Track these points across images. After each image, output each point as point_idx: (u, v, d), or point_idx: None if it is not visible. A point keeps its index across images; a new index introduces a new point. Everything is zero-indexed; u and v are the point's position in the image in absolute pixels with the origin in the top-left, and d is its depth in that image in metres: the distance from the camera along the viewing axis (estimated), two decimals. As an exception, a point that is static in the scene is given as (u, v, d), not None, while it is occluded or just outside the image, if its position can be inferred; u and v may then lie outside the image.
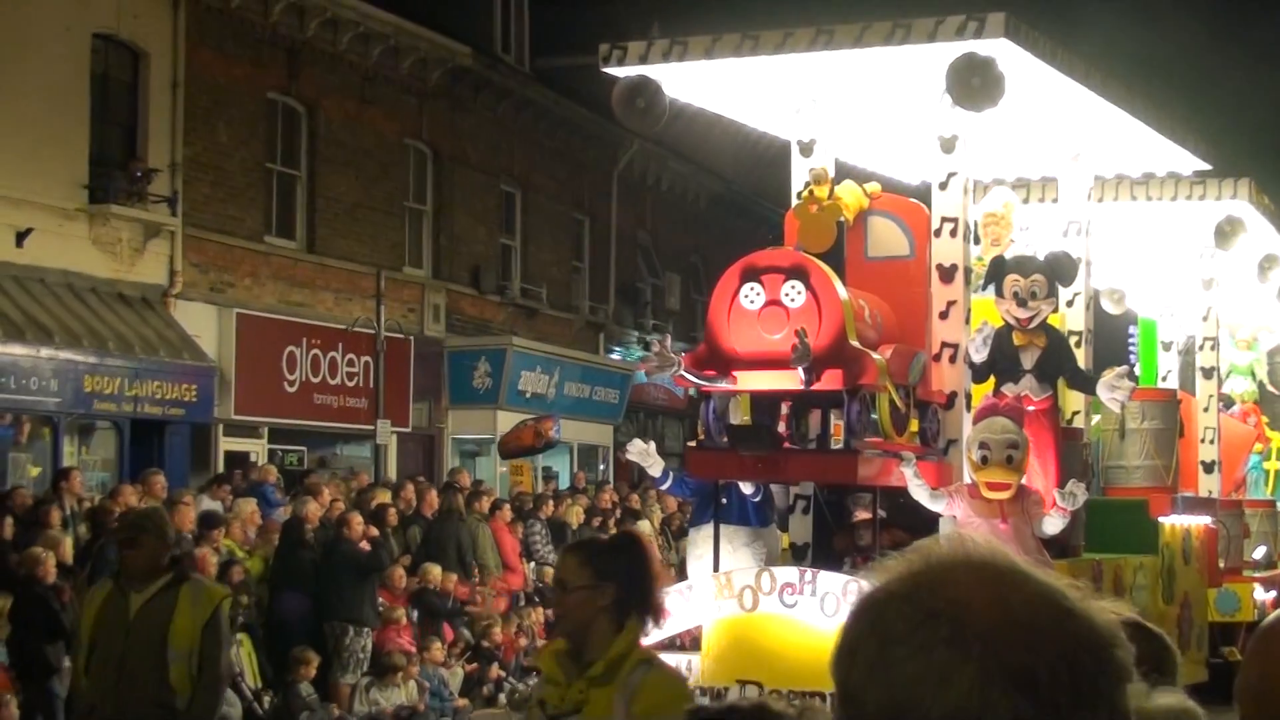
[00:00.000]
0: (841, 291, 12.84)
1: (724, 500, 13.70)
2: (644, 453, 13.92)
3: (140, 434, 27.30)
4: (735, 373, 12.93)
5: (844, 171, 14.59)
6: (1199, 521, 16.08)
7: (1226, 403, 22.16)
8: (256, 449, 30.28)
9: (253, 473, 26.58)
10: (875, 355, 12.77)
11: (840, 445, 12.93)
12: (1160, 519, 15.25)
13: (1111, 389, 13.88)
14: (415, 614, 23.56)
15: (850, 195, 13.75)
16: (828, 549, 14.05)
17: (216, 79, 29.55)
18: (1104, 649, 2.23)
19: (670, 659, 13.38)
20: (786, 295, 12.83)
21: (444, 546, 24.90)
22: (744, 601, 13.01)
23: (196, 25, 29.07)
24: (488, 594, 25.38)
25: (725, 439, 13.06)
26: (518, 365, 34.58)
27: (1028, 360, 14.12)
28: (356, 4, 31.88)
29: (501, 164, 37.41)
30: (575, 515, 28.63)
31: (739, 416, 13.58)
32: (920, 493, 13.24)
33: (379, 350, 31.75)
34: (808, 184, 13.70)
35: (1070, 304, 15.55)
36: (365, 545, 22.40)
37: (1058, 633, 2.21)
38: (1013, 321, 14.13)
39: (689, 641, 13.69)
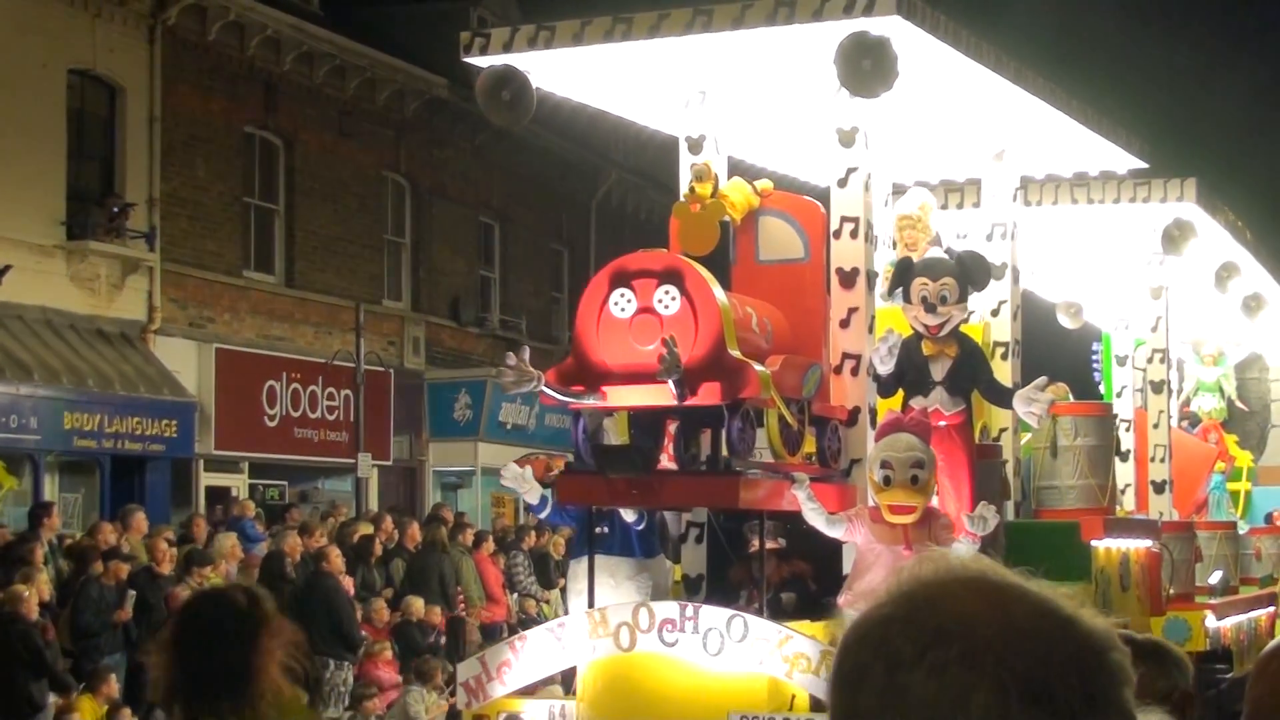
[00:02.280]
0: (720, 296, 10.93)
1: (604, 529, 11.77)
2: (519, 478, 12.01)
3: (121, 470, 26.35)
4: (605, 388, 11.02)
5: (741, 172, 12.65)
6: (1139, 545, 14.10)
7: (1192, 421, 20.21)
8: (237, 484, 29.17)
9: (233, 508, 25.63)
10: (759, 367, 10.84)
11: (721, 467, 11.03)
12: (1093, 543, 13.29)
13: (1029, 402, 11.92)
14: (397, 647, 22.38)
15: (737, 193, 11.84)
16: (724, 581, 12.12)
17: (193, 113, 28.43)
18: (1106, 653, 2.16)
19: (543, 705, 11.59)
20: (659, 302, 10.91)
21: (427, 579, 23.72)
22: (620, 640, 11.08)
23: (173, 60, 27.97)
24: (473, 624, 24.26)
25: (593, 461, 11.17)
26: (498, 397, 32.95)
27: (938, 371, 12.17)
28: (332, 37, 30.77)
29: (480, 195, 35.99)
30: (557, 547, 27.13)
31: (617, 437, 11.69)
32: (815, 518, 11.31)
33: (359, 383, 30.28)
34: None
35: (996, 313, 13.62)
36: (347, 580, 21.65)
37: (1064, 641, 2.13)
38: (921, 329, 12.17)
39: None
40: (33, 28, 25.40)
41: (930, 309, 12.04)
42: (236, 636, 5.18)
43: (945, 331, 12.12)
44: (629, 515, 11.66)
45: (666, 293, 10.88)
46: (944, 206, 14.61)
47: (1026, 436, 14.13)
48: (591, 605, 11.44)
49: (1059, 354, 19.94)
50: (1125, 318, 18.12)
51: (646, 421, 11.52)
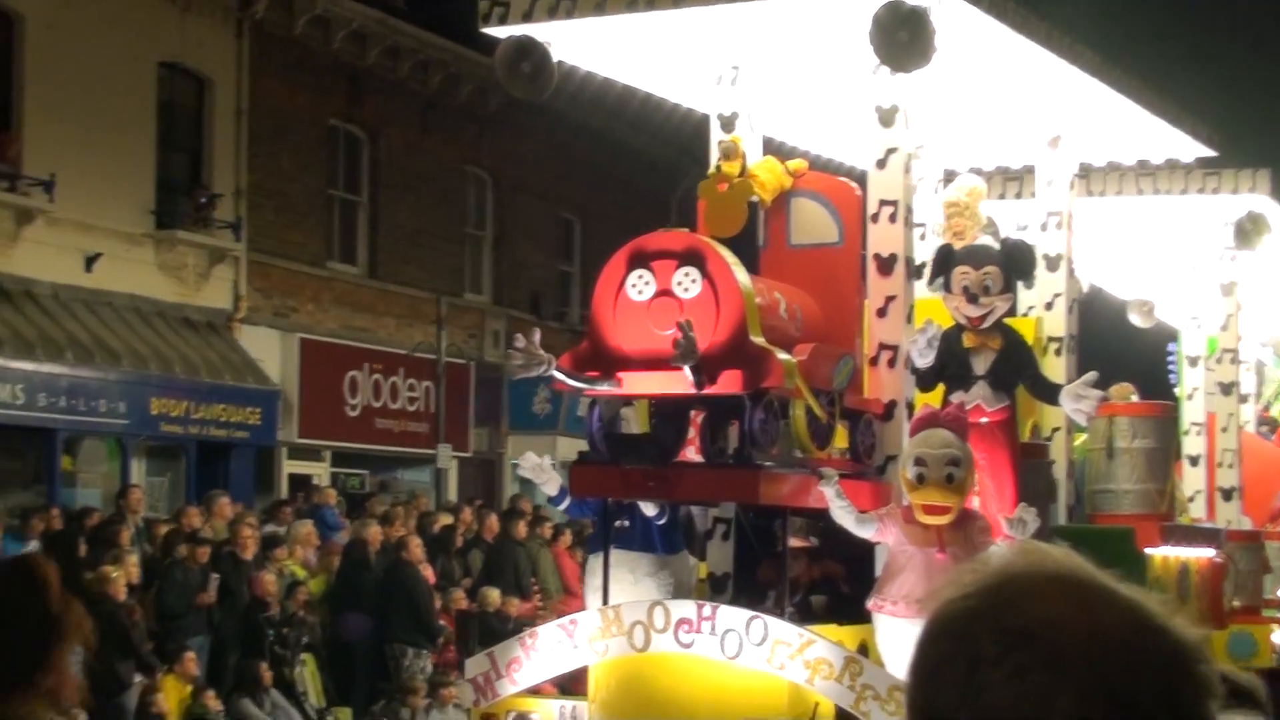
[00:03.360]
0: (744, 280, 9.87)
1: (624, 523, 10.71)
2: (537, 468, 11.01)
3: (206, 456, 25.78)
4: (621, 374, 9.98)
5: (776, 152, 11.54)
6: (1200, 554, 12.86)
7: (1272, 426, 18.82)
8: (319, 472, 28.48)
9: (314, 495, 25.13)
10: (783, 355, 9.77)
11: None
12: (1149, 550, 12.08)
13: (1077, 398, 10.76)
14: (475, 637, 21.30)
15: (768, 173, 10.75)
16: (752, 580, 11.03)
17: (279, 106, 27.65)
18: (1194, 665, 2.02)
19: (553, 705, 10.57)
20: (679, 284, 9.87)
21: (503, 570, 22.80)
22: (635, 639, 10.04)
23: (260, 53, 27.27)
24: (550, 617, 23.09)
25: (607, 450, 10.14)
26: (577, 391, 31.75)
27: (980, 365, 11.02)
28: (417, 31, 29.89)
29: (560, 191, 34.95)
30: (638, 544, 26.06)
31: (638, 427, 10.66)
32: (844, 516, 10.22)
33: (440, 375, 29.46)
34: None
35: (1049, 306, 12.45)
36: (427, 569, 21.18)
37: (1152, 650, 2.01)
38: (963, 320, 11.04)
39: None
40: (124, 21, 24.81)
41: (972, 299, 10.92)
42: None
43: (988, 323, 11.00)
44: (650, 509, 10.61)
45: (687, 274, 9.85)
46: (1002, 196, 13.47)
47: (1081, 438, 12.97)
48: (606, 602, 10.42)
49: (1130, 353, 18.72)
50: (1196, 316, 16.79)
51: (668, 411, 10.48)
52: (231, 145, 26.80)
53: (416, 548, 21.07)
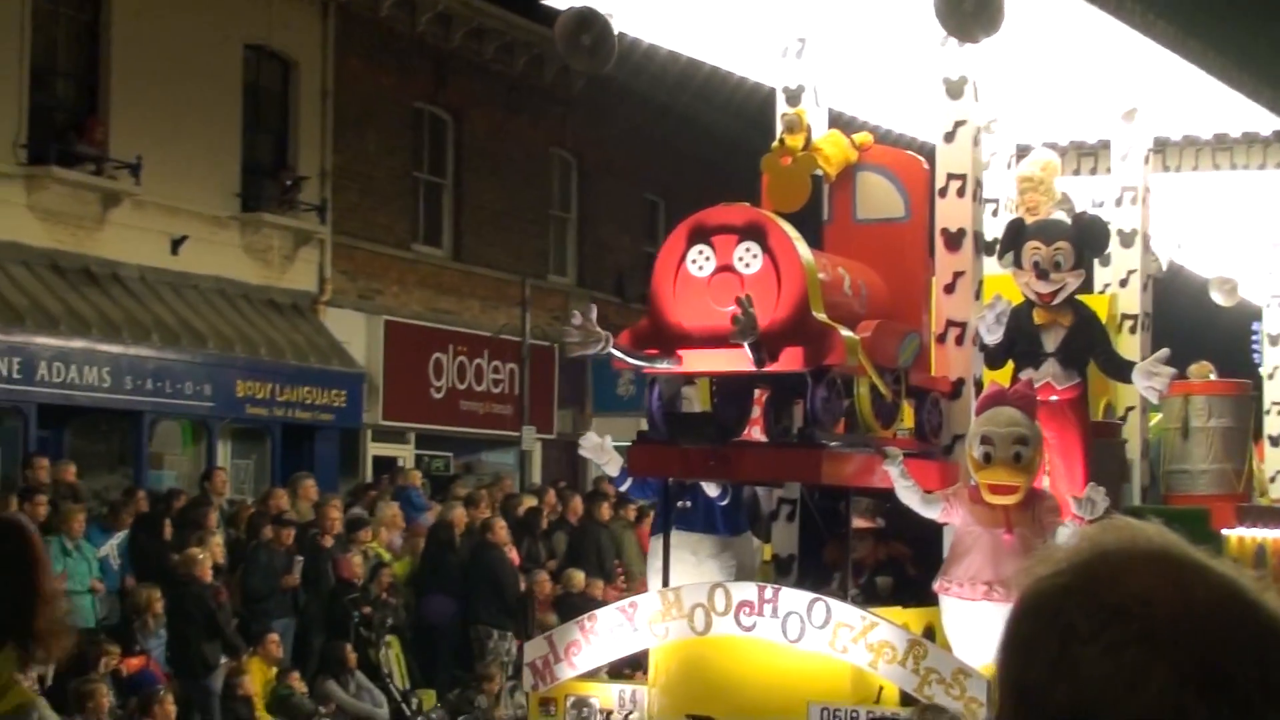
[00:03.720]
0: (805, 255, 9.61)
1: (686, 504, 10.48)
2: (598, 448, 10.80)
3: (291, 438, 25.62)
4: (681, 352, 9.75)
5: (843, 126, 11.24)
6: (1278, 535, 12.48)
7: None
8: (404, 454, 28.27)
9: (398, 477, 24.99)
10: (846, 332, 9.52)
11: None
12: (1225, 531, 11.72)
13: (1149, 375, 10.44)
14: (558, 620, 21.14)
15: (833, 146, 10.49)
16: (818, 562, 10.79)
17: (365, 88, 27.48)
18: None
19: (613, 689, 10.36)
20: (740, 260, 9.64)
21: (587, 553, 22.61)
22: (695, 622, 9.84)
23: (345, 35, 27.09)
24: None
25: (666, 429, 9.91)
26: (662, 374, 31.44)
27: (1050, 342, 10.72)
28: (502, 13, 29.57)
29: (645, 173, 34.58)
30: (719, 522, 25.79)
31: (699, 406, 10.43)
32: (910, 496, 9.97)
33: (524, 357, 29.15)
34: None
35: (1124, 283, 12.10)
36: (512, 551, 21.03)
37: (1245, 626, 1.96)
38: (1033, 297, 10.74)
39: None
40: (210, 4, 24.70)
41: (1043, 275, 10.63)
42: None
43: (1059, 299, 10.70)
44: (712, 490, 10.38)
45: (748, 250, 9.61)
46: (1076, 171, 13.13)
47: (1157, 417, 12.62)
48: (666, 584, 10.20)
49: (1212, 332, 18.28)
50: (1278, 293, 16.36)
51: (730, 390, 10.25)
52: (317, 128, 26.60)
53: (502, 530, 20.92)
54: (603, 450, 10.73)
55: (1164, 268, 13.97)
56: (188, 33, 24.32)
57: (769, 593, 9.72)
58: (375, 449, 27.69)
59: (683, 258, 9.74)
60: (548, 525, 23.08)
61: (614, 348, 9.57)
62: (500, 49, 30.10)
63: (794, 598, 9.69)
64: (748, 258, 9.59)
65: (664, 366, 9.74)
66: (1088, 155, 13.33)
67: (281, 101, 26.54)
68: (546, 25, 29.28)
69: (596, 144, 33.12)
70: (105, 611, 17.64)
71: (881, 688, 9.72)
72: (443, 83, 29.32)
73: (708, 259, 9.68)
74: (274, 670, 18.01)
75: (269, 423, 25.07)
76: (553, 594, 21.36)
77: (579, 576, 21.53)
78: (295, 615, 19.20)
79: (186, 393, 23.44)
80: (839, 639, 9.54)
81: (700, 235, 9.74)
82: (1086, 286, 11.89)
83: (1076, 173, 13.12)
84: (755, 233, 9.63)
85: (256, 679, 17.68)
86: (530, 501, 23.63)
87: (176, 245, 24.22)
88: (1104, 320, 11.47)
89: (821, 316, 9.53)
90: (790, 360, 9.47)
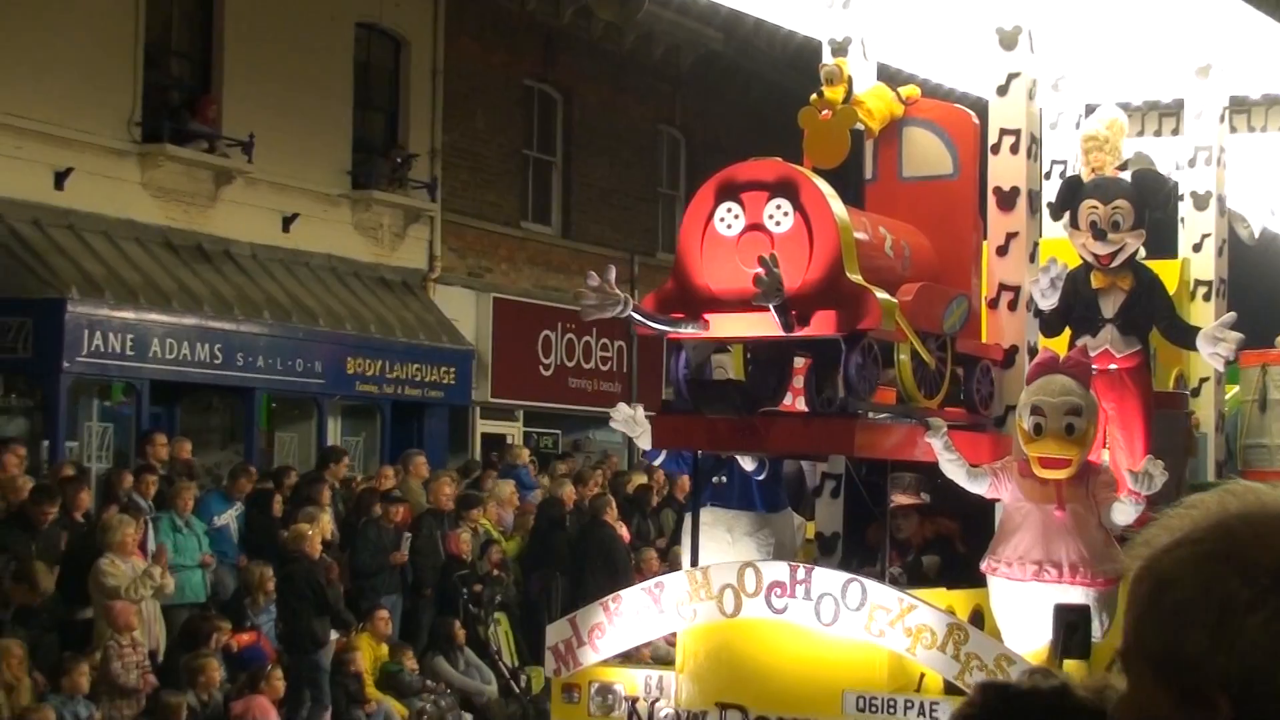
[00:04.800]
0: (839, 212, 8.83)
1: (722, 479, 9.74)
2: (630, 420, 10.09)
3: (400, 415, 25.07)
4: (708, 315, 9.01)
5: (891, 81, 10.38)
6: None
7: None
8: (512, 431, 27.68)
9: (507, 455, 24.45)
10: (882, 295, 8.72)
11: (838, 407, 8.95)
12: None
13: (1213, 341, 9.54)
14: None
15: (878, 100, 9.68)
16: (863, 540, 9.99)
17: (474, 66, 26.88)
18: None
19: (639, 675, 9.63)
20: (770, 218, 8.88)
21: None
22: (724, 604, 9.09)
23: (456, 13, 26.49)
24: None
25: (690, 398, 9.17)
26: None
27: (1109, 307, 9.84)
28: (611, -11, 28.72)
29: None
30: (827, 500, 25.05)
31: (733, 374, 9.67)
32: (954, 470, 9.17)
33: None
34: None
35: (1198, 248, 11.16)
36: (623, 530, 20.50)
37: None
38: (1090, 259, 9.85)
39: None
40: (322, -18, 24.24)
41: (1100, 235, 9.74)
42: None
43: (1118, 261, 9.80)
44: (748, 463, 9.62)
45: (778, 207, 8.84)
46: (1159, 133, 12.18)
47: (1233, 389, 11.66)
48: (695, 563, 9.46)
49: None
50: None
51: (766, 357, 9.48)
52: (427, 106, 26.11)
53: (612, 507, 20.42)
54: (635, 422, 10.02)
55: (1256, 235, 12.98)
56: (300, 11, 23.97)
57: (801, 573, 8.96)
58: (484, 426, 27.14)
59: (710, 215, 9.02)
60: (657, 503, 22.48)
61: (634, 311, 8.85)
62: (609, 26, 29.27)
63: (828, 578, 8.93)
64: (778, 215, 8.84)
65: (689, 331, 9.01)
66: (1169, 115, 12.36)
67: (392, 79, 26.06)
68: (654, 3, 28.80)
69: (705, 121, 32.26)
70: (233, 584, 17.41)
71: (923, 675, 8.93)
72: (552, 60, 28.68)
73: (736, 217, 8.93)
74: (383, 647, 17.66)
75: (379, 400, 24.59)
76: (659, 571, 20.67)
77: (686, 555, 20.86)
78: (404, 592, 18.83)
79: (297, 369, 23.01)
80: (875, 622, 8.77)
81: (729, 192, 9.00)
82: (1169, 250, 11.00)
83: (1157, 133, 12.19)
84: (786, 189, 8.88)
85: (366, 655, 17.33)
86: (640, 479, 23.07)
87: (288, 223, 23.91)
88: (1175, 287, 10.56)
89: (856, 278, 8.75)
90: (822, 324, 8.70)
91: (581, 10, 28.48)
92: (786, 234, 8.79)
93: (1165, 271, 10.51)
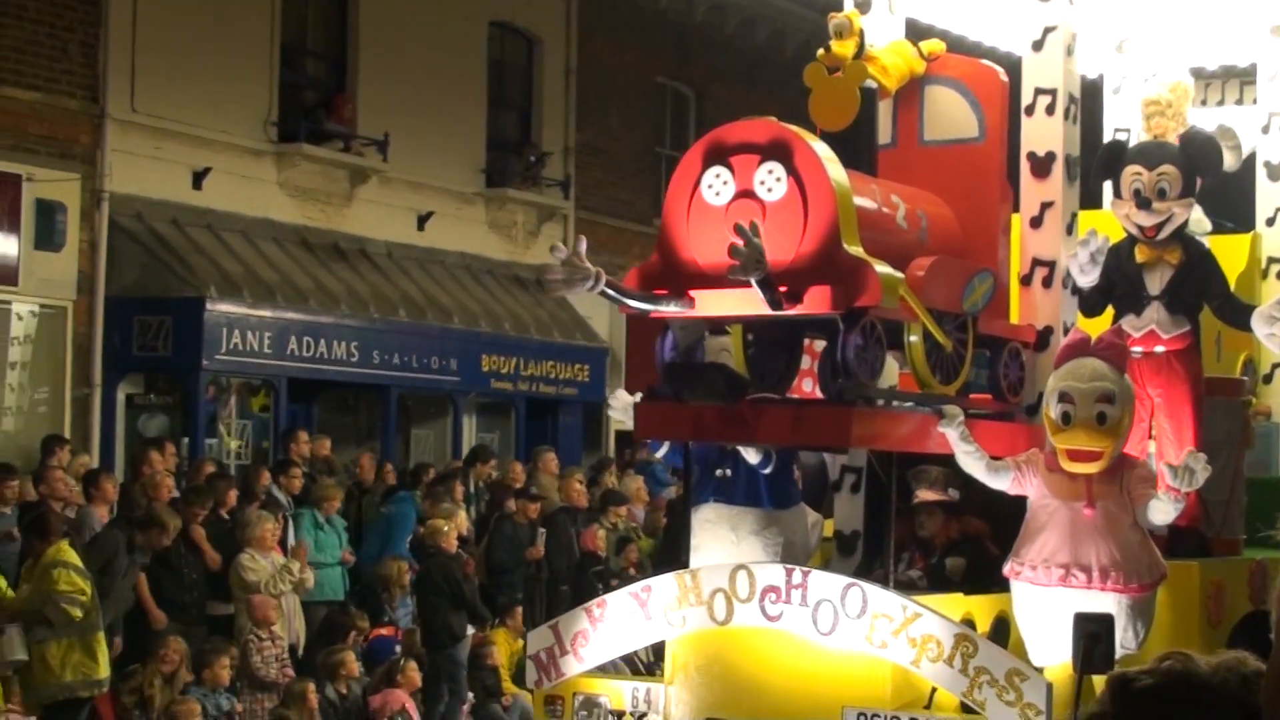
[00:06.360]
0: (838, 177, 7.64)
1: (726, 472, 8.54)
2: (627, 408, 8.91)
3: (535, 412, 24.51)
4: (694, 292, 7.85)
5: (924, 38, 9.08)
6: None
7: None
8: (645, 430, 26.17)
9: (639, 452, 23.18)
10: (883, 268, 7.50)
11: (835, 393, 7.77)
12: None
13: (1270, 321, 8.16)
14: None
15: (895, 56, 8.45)
16: (884, 539, 8.74)
17: (607, 65, 26.09)
18: None
19: (625, 687, 8.48)
20: (762, 183, 7.71)
21: (827, 530, 20.58)
22: (715, 610, 7.94)
23: (588, 12, 25.76)
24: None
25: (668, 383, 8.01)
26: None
27: (1154, 284, 8.53)
28: (744, -12, 27.63)
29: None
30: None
31: (724, 356, 8.49)
32: (972, 463, 7.93)
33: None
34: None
35: (1271, 222, 9.75)
36: None
37: None
38: (1134, 230, 8.52)
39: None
40: (456, -17, 23.52)
41: (1144, 204, 8.43)
42: None
43: (1165, 233, 8.47)
44: (752, 455, 8.41)
45: (770, 172, 7.67)
46: (1239, 101, 10.77)
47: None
48: (686, 565, 8.30)
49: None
50: None
51: (771, 338, 8.30)
52: (560, 104, 25.43)
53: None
54: (631, 411, 8.85)
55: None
56: (434, 11, 23.27)
57: (798, 576, 7.78)
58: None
59: (698, 182, 7.85)
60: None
61: (608, 287, 7.70)
62: (741, 24, 28.29)
63: (826, 583, 7.73)
64: (770, 181, 7.68)
65: (672, 309, 7.86)
66: (1250, 83, 10.90)
67: (525, 78, 25.38)
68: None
69: (839, 118, 30.96)
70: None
71: (935, 689, 7.69)
72: (685, 58, 27.68)
73: (725, 183, 7.78)
74: (519, 642, 16.77)
75: (513, 397, 23.92)
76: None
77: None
78: (540, 587, 18.25)
79: (433, 367, 22.37)
80: (877, 632, 7.56)
81: (717, 155, 7.84)
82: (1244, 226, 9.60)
83: (1239, 102, 10.77)
84: (779, 152, 7.70)
85: (503, 650, 16.87)
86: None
87: (423, 221, 23.34)
88: (1245, 264, 9.19)
89: (855, 250, 7.54)
90: (816, 301, 7.52)
91: (714, 8, 27.52)
92: (779, 201, 7.63)
93: (1234, 247, 9.15)
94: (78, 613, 12.20)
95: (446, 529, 16.45)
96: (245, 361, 20.01)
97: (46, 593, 12.10)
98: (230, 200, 20.79)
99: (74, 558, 12.44)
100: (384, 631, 16.38)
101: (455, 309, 22.84)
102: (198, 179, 20.43)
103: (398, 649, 15.97)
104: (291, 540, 15.86)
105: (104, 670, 12.59)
